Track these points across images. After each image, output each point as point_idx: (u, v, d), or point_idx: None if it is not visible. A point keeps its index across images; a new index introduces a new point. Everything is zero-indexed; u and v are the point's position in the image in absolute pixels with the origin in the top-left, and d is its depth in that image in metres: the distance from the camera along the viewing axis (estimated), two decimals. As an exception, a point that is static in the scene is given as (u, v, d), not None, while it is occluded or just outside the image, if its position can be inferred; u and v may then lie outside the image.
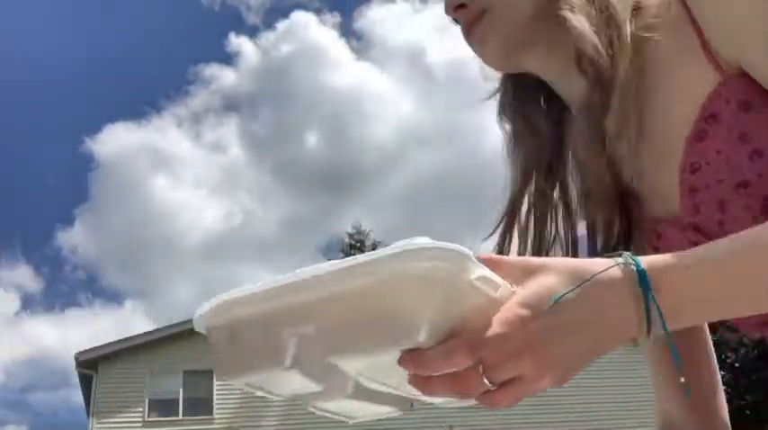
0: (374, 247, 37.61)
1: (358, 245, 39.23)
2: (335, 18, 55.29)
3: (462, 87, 46.50)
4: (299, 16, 49.16)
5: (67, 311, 51.86)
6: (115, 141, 45.07)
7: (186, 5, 49.49)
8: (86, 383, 16.26)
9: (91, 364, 15.62)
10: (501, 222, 0.86)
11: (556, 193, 0.86)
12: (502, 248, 0.86)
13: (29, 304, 47.51)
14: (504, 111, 0.89)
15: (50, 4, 41.46)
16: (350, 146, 47.65)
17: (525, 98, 0.88)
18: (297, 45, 47.80)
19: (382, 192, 48.50)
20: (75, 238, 47.12)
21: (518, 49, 0.80)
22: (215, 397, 15.95)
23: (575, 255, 0.83)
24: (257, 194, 48.82)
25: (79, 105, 48.61)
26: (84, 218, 49.30)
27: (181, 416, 15.54)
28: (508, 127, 0.89)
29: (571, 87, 0.79)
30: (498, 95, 0.90)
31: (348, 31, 56.18)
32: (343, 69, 47.55)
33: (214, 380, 16.14)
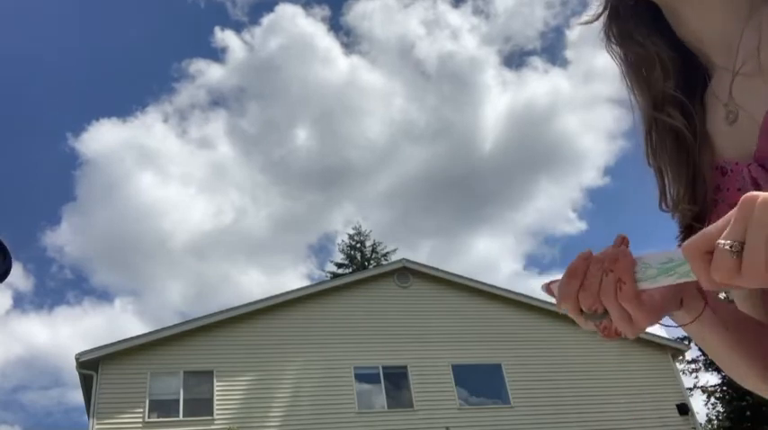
0: (374, 248, 37.69)
1: (358, 245, 39.29)
2: (324, 11, 54.73)
3: (453, 82, 46.43)
4: (286, 9, 48.73)
5: (57, 310, 51.81)
6: (100, 138, 44.87)
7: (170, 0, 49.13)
8: (87, 384, 16.28)
9: (91, 365, 15.63)
10: (649, 156, 0.88)
11: (681, 121, 0.85)
12: (663, 183, 0.87)
13: (20, 303, 47.39)
14: (616, 33, 0.90)
15: (32, 0, 41.21)
16: (340, 142, 47.50)
17: (646, 24, 0.88)
18: (284, 39, 47.46)
19: (373, 188, 48.36)
20: (63, 237, 47.01)
21: None
22: (215, 397, 15.95)
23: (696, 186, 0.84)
24: (247, 192, 48.71)
25: (62, 102, 48.23)
26: (71, 216, 49.13)
27: (181, 417, 15.54)
28: (621, 51, 0.89)
29: (709, 19, 0.80)
30: (605, 20, 0.91)
31: (337, 25, 55.68)
32: (333, 64, 47.34)
33: (214, 380, 16.15)
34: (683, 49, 0.86)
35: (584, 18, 0.91)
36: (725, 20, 0.78)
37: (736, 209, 0.53)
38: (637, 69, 0.88)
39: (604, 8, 0.90)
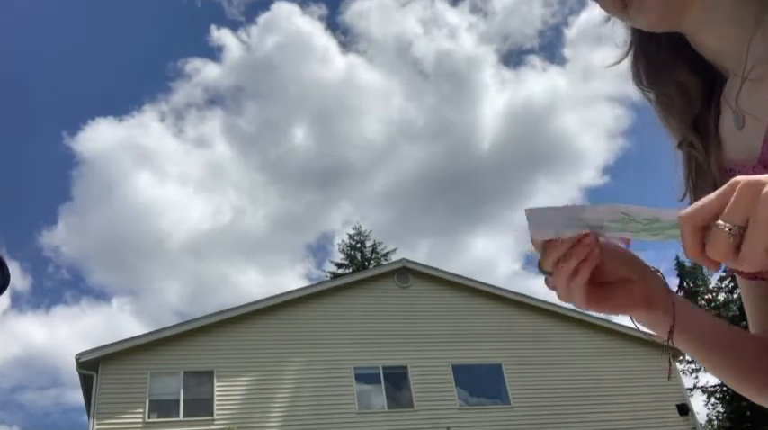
0: (374, 248, 37.67)
1: (358, 245, 39.28)
2: (321, 10, 54.51)
3: (451, 81, 46.33)
4: (282, 8, 48.60)
5: (55, 310, 51.77)
6: (96, 138, 44.87)
7: (167, -1, 48.96)
8: (87, 384, 16.28)
9: (91, 365, 15.63)
10: (688, 183, 0.89)
11: (702, 154, 0.87)
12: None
13: (17, 302, 47.33)
14: (644, 75, 0.91)
15: (29, 0, 41.02)
16: (338, 141, 47.40)
17: (667, 57, 0.90)
18: (281, 38, 47.37)
19: (371, 188, 48.28)
20: (60, 237, 46.97)
21: (680, 9, 0.81)
22: (215, 397, 15.95)
23: None
24: (245, 191, 48.64)
25: (58, 101, 48.09)
26: (68, 216, 49.09)
27: (181, 417, 15.54)
28: (651, 94, 0.91)
29: (730, 41, 0.81)
30: (631, 60, 0.92)
31: (334, 24, 55.43)
32: (330, 63, 47.23)
33: (214, 380, 16.15)
34: (703, 62, 0.88)
35: (610, 61, 0.92)
36: (736, 34, 0.80)
37: (736, 191, 0.53)
38: (664, 103, 0.90)
39: (629, 49, 0.92)
